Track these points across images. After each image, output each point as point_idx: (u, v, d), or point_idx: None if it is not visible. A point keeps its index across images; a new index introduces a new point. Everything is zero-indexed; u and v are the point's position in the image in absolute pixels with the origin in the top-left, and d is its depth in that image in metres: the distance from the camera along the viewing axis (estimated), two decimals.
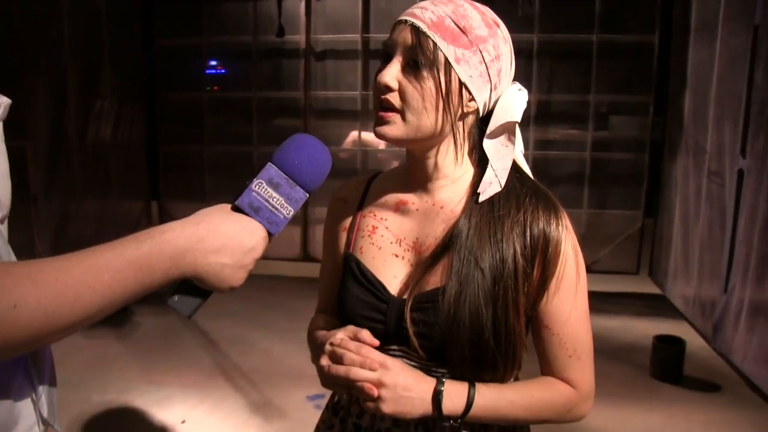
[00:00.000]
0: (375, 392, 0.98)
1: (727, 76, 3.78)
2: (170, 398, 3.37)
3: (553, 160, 5.29)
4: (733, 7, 3.73)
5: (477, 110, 1.06)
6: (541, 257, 1.04)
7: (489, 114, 1.08)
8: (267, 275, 4.65)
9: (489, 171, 1.07)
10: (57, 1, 4.42)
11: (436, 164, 1.10)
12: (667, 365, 3.72)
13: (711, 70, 3.98)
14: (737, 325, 3.44)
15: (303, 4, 5.36)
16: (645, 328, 4.28)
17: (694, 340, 3.90)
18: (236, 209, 0.86)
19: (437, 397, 1.01)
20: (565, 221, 1.07)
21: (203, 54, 5.67)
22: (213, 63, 5.74)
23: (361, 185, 1.22)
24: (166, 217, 5.80)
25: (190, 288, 0.85)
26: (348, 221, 1.20)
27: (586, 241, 4.67)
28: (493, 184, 1.07)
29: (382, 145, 5.44)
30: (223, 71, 5.78)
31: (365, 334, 1.03)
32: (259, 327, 4.37)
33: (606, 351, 3.86)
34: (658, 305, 4.80)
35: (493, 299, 1.02)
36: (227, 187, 5.57)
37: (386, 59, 1.04)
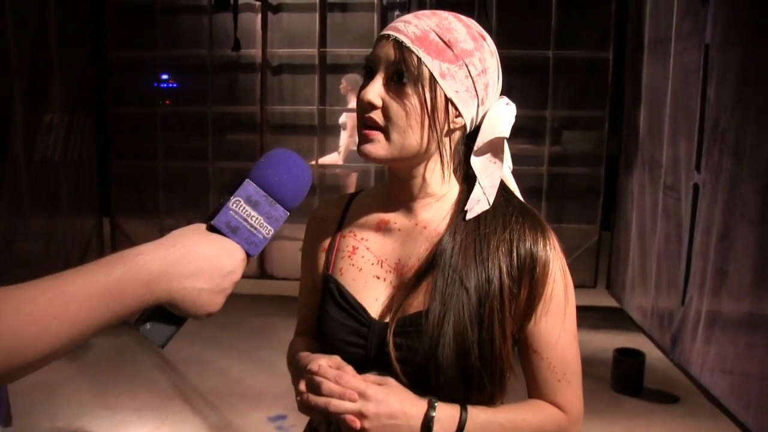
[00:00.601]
0: (357, 424, 0.94)
1: (680, 93, 3.86)
2: (126, 423, 3.26)
3: None
4: (685, 26, 3.82)
5: (464, 126, 1.03)
6: (528, 278, 1.01)
7: (476, 130, 1.05)
8: None
9: (477, 188, 1.04)
10: (0, 10, 4.26)
11: (421, 183, 1.06)
12: (627, 378, 3.76)
13: (665, 86, 4.05)
14: (695, 336, 3.48)
15: (259, 18, 5.29)
16: (603, 341, 4.33)
17: (652, 353, 3.95)
18: (212, 229, 0.82)
19: (428, 424, 0.96)
20: (553, 241, 1.05)
21: (157, 67, 5.53)
22: (167, 76, 5.61)
23: (340, 204, 1.18)
24: (118, 234, 5.61)
25: (164, 315, 0.79)
26: (327, 241, 1.15)
27: None
28: (481, 201, 1.04)
29: (339, 161, 5.40)
30: (177, 85, 5.66)
31: (349, 369, 0.99)
32: (215, 346, 4.26)
33: None
34: (615, 318, 4.85)
35: (479, 320, 0.99)
36: (181, 203, 5.45)
37: (369, 75, 1.00)
